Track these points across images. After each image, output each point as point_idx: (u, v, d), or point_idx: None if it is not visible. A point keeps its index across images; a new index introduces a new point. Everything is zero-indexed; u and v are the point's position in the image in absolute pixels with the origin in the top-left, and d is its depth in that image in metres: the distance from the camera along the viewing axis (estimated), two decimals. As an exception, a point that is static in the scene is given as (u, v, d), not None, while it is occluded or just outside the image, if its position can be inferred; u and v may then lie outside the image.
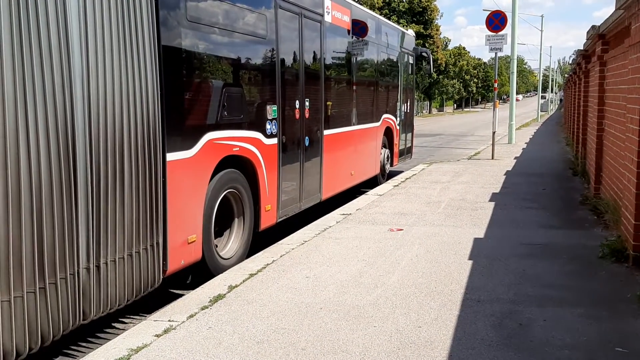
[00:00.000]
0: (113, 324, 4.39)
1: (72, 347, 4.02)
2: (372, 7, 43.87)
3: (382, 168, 10.94)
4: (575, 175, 10.78)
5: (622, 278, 4.69)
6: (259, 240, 6.17)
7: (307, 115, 7.12)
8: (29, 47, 3.13)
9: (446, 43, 65.49)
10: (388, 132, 11.06)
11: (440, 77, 59.76)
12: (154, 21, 4.21)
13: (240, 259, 5.65)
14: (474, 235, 6.20)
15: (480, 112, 66.97)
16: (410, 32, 13.30)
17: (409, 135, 13.04)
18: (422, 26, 50.47)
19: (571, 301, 4.19)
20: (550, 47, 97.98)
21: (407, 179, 10.73)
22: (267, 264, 5.18)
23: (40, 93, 3.23)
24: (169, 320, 3.89)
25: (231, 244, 5.72)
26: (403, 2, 51.31)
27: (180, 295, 4.60)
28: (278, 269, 5.05)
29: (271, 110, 6.19)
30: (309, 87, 7.22)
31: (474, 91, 78.38)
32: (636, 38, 4.96)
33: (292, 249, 5.72)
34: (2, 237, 3.04)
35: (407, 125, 12.73)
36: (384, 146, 10.93)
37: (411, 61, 12.75)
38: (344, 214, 7.40)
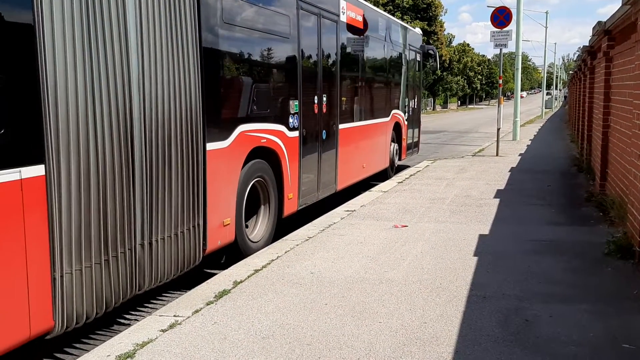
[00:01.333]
0: (118, 319, 4.41)
1: (75, 344, 4.03)
2: (376, 4, 43.77)
3: (391, 161, 11.30)
4: (580, 172, 10.73)
5: (628, 275, 4.68)
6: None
7: (324, 110, 7.57)
8: (97, 52, 3.63)
9: (450, 40, 65.30)
10: (397, 127, 11.47)
11: (444, 73, 59.59)
12: (196, 25, 4.66)
13: (267, 243, 6.08)
14: (479, 231, 6.18)
15: (484, 109, 66.80)
16: (418, 30, 13.64)
17: (416, 130, 13.49)
18: (426, 23, 50.27)
19: (577, 298, 4.18)
20: (555, 43, 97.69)
21: (411, 175, 10.71)
22: (272, 260, 5.18)
23: (105, 91, 3.70)
24: (175, 316, 3.89)
25: (258, 228, 6.20)
26: (407, -2, 51.10)
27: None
28: (283, 264, 5.05)
29: (293, 105, 6.62)
30: (326, 83, 7.63)
31: (478, 88, 78.12)
32: (643, 33, 4.93)
33: (297, 245, 5.72)
34: (75, 214, 3.50)
35: (415, 120, 13.17)
36: (393, 140, 11.31)
37: (418, 58, 13.16)
38: (348, 210, 7.39)
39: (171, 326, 3.71)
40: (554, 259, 5.14)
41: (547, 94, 62.96)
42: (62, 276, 3.44)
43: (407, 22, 45.93)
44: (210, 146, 4.92)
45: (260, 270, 4.89)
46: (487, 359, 3.21)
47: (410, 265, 4.97)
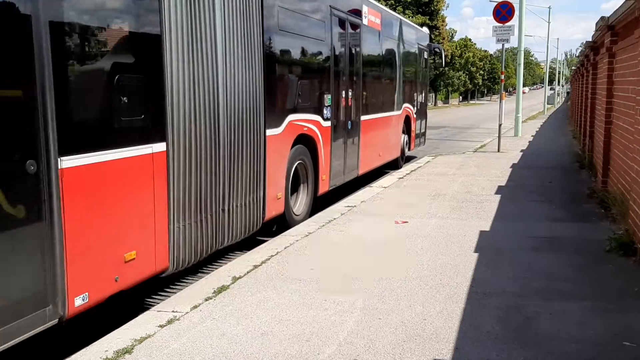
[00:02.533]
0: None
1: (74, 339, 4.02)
2: (378, -2, 43.63)
3: (402, 151, 12.24)
4: (582, 168, 10.69)
5: (630, 272, 4.65)
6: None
7: (350, 103, 8.60)
8: (195, 63, 4.65)
9: (452, 35, 65.05)
10: (407, 120, 12.42)
11: (446, 69, 59.43)
12: (261, 34, 5.73)
13: (305, 217, 7.14)
14: (480, 227, 6.16)
15: (486, 105, 66.63)
16: (425, 30, 14.67)
17: (423, 123, 14.42)
18: (428, 17, 50.05)
19: (578, 295, 4.16)
20: (558, 39, 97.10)
21: (412, 171, 10.68)
22: (272, 256, 5.16)
23: (201, 91, 4.72)
24: (173, 311, 3.88)
25: (299, 203, 7.26)
26: (409, -8, 50.92)
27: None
28: (282, 260, 5.04)
29: (327, 99, 7.69)
30: (351, 79, 8.70)
31: (480, 83, 77.89)
32: (647, 29, 4.88)
33: (297, 240, 5.70)
34: (182, 182, 4.49)
35: (422, 114, 14.14)
36: (403, 132, 12.25)
37: (425, 56, 13.99)
38: (348, 206, 7.37)
39: (169, 322, 3.69)
40: (554, 256, 5.12)
41: (552, 89, 62.76)
42: (175, 228, 4.43)
43: (409, 17, 45.75)
44: (268, 132, 5.98)
45: (259, 266, 4.88)
46: (487, 355, 3.20)
47: (411, 262, 4.95)
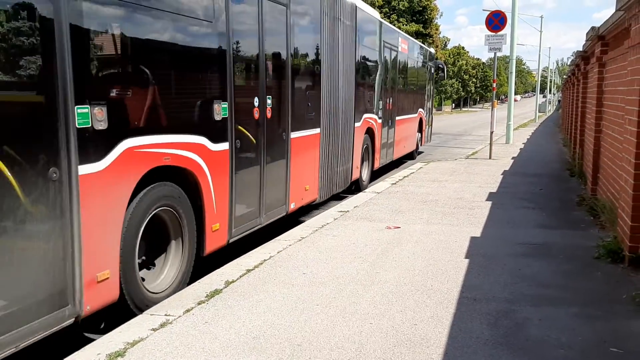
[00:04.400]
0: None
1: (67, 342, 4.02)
2: (372, 5, 43.84)
3: (417, 146, 15.73)
4: (572, 176, 10.79)
5: (618, 279, 4.71)
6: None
7: (391, 107, 11.92)
8: (333, 78, 7.91)
9: (445, 43, 65.45)
10: (420, 122, 15.76)
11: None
12: (354, 62, 8.88)
13: (367, 185, 10.48)
14: (471, 234, 6.21)
15: (478, 112, 66.97)
16: (432, 50, 18.89)
17: (430, 125, 18.10)
18: (422, 25, 50.34)
19: (567, 301, 4.21)
20: (549, 48, 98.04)
21: (404, 177, 10.74)
22: (264, 260, 5.18)
23: (333, 96, 7.92)
24: (166, 315, 3.89)
25: (365, 174, 10.47)
26: (403, 0, 51.25)
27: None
28: (275, 264, 5.06)
29: (379, 103, 10.94)
30: (392, 90, 12.03)
31: (473, 91, 78.35)
32: (636, 39, 4.96)
33: (290, 245, 5.73)
34: (325, 151, 7.79)
35: (429, 117, 17.79)
36: (418, 131, 15.56)
37: (432, 70, 17.60)
38: (341, 211, 7.40)
39: (162, 325, 3.70)
40: (544, 262, 5.18)
41: (544, 96, 63.03)
42: (320, 175, 7.71)
43: (403, 25, 46.00)
44: (356, 124, 9.18)
45: (252, 270, 4.90)
46: (477, 361, 3.23)
47: (402, 267, 4.99)
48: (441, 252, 5.47)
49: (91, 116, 3.55)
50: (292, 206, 6.84)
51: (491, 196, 8.64)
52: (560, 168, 12.29)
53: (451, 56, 67.22)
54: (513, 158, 14.39)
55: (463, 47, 74.84)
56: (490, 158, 14.08)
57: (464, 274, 4.81)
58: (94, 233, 3.63)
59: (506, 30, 14.17)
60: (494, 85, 14.98)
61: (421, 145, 16.39)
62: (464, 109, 78.15)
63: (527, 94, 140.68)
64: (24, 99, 3.26)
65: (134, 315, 4.01)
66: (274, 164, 6.22)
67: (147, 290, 4.32)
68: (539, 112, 47.94)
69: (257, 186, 5.91)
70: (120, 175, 3.85)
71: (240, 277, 4.71)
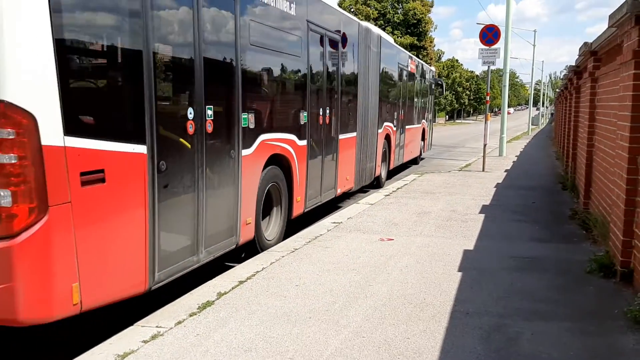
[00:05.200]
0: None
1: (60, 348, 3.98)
2: (367, 18, 44.06)
3: (420, 152, 17.83)
4: (565, 189, 10.85)
5: (610, 293, 4.72)
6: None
7: (402, 117, 14.11)
8: (365, 92, 10.16)
9: (440, 55, 65.88)
10: (423, 131, 18.03)
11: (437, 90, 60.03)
12: (378, 82, 11.00)
13: (385, 183, 12.62)
14: (464, 246, 6.22)
15: (472, 124, 67.32)
16: (433, 68, 22.09)
17: (431, 133, 20.61)
18: (416, 38, 50.72)
19: (559, 316, 4.21)
20: (543, 61, 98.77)
21: (398, 188, 10.76)
22: (257, 271, 5.17)
23: (366, 105, 10.22)
24: (157, 326, 3.86)
25: (383, 174, 12.61)
26: (398, 13, 51.61)
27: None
28: (268, 276, 5.04)
29: (394, 114, 13.20)
30: (403, 103, 14.22)
31: (466, 103, 78.80)
32: (628, 56, 5.01)
33: (283, 256, 5.71)
34: (359, 152, 9.95)
35: (430, 127, 20.15)
36: (421, 139, 17.80)
37: (433, 86, 20.05)
38: (335, 222, 7.40)
39: (153, 337, 3.68)
40: (537, 276, 5.19)
41: (537, 109, 63.39)
42: (356, 169, 9.75)
43: (397, 37, 46.24)
44: (378, 131, 11.29)
45: (244, 281, 4.88)
46: (469, 375, 3.22)
47: (395, 280, 4.98)
48: (434, 265, 5.47)
49: (248, 120, 5.62)
50: (339, 191, 8.95)
51: (484, 209, 8.66)
52: (553, 181, 12.35)
53: (445, 68, 67.66)
54: (506, 171, 14.45)
55: (457, 60, 75.44)
56: (483, 170, 14.13)
57: (457, 287, 4.81)
58: (246, 192, 5.69)
59: (500, 44, 14.29)
60: (487, 98, 15.08)
61: (424, 152, 18.75)
62: (457, 121, 78.52)
63: (520, 107, 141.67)
64: (226, 111, 5.31)
65: (257, 253, 5.99)
66: (329, 157, 8.44)
67: (265, 237, 6.37)
68: (532, 124, 48.27)
69: (320, 173, 8.06)
70: (258, 158, 5.99)
71: (233, 288, 4.69)
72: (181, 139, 4.53)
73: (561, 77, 23.53)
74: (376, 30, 11.15)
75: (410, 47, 45.87)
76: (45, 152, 3.25)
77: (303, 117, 7.24)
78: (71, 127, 3.39)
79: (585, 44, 8.22)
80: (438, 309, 4.27)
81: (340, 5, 43.79)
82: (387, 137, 12.36)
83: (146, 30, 4.03)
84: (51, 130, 3.28)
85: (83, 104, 3.62)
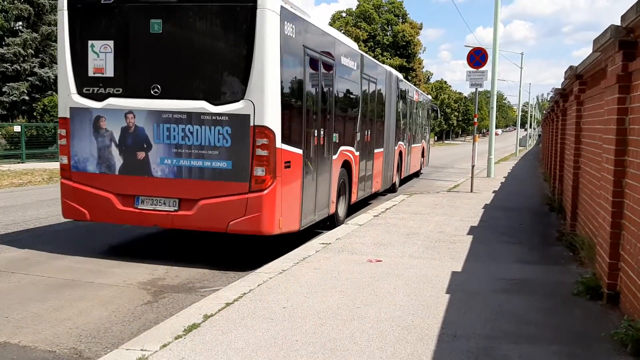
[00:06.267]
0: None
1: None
2: (357, 40, 44.54)
3: (421, 166, 20.97)
4: (552, 211, 10.92)
5: (597, 316, 4.73)
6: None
7: (409, 137, 17.12)
8: (388, 114, 13.69)
9: (428, 77, 66.64)
10: (422, 149, 21.11)
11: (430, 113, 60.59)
12: (396, 110, 14.40)
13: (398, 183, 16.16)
14: (452, 268, 6.22)
15: (460, 145, 67.84)
16: (429, 96, 25.17)
17: (428, 152, 23.84)
18: (405, 59, 51.29)
19: (546, 338, 4.21)
20: (530, 83, 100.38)
21: (387, 209, 10.77)
22: (244, 293, 5.12)
23: (390, 125, 13.87)
24: (142, 350, 3.80)
25: (397, 179, 15.45)
26: (387, 35, 52.21)
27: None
28: (255, 298, 5.00)
29: (404, 134, 16.07)
30: (407, 125, 16.74)
31: (455, 124, 79.53)
32: (612, 80, 5.10)
33: (270, 277, 5.68)
34: (408, 155, 17.16)
35: (428, 146, 23.38)
36: (421, 156, 20.75)
37: (429, 111, 23.32)
38: (323, 243, 7.38)
39: (137, 360, 3.62)
40: (524, 298, 5.19)
41: (525, 130, 63.96)
42: (382, 175, 13.10)
43: (387, 59, 46.70)
44: (395, 147, 14.58)
45: (231, 303, 4.83)
46: (457, 400, 3.20)
47: (383, 302, 4.96)
48: (422, 287, 5.46)
49: (336, 137, 8.90)
50: (373, 190, 12.16)
51: (472, 230, 8.69)
52: (540, 202, 12.43)
53: (434, 90, 68.37)
54: (494, 192, 14.54)
55: (445, 82, 76.37)
56: (471, 191, 14.21)
57: (444, 309, 4.79)
58: (334, 182, 8.82)
59: (487, 67, 14.46)
60: (475, 119, 15.22)
61: (422, 167, 21.75)
62: (446, 142, 79.11)
63: (508, 128, 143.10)
64: (326, 131, 8.51)
65: (334, 226, 9.01)
66: (369, 164, 11.46)
67: (338, 213, 9.32)
68: (520, 146, 48.71)
69: (364, 174, 11.12)
70: (339, 161, 9.11)
71: (219, 310, 4.64)
72: (313, 146, 7.85)
73: (548, 99, 23.96)
74: (395, 72, 14.54)
75: (400, 69, 46.34)
76: (277, 151, 6.43)
77: (357, 136, 10.42)
78: (284, 139, 6.60)
79: (571, 67, 8.36)
80: (426, 331, 4.26)
81: (331, 26, 44.20)
82: (400, 154, 15.49)
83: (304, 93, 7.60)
84: (278, 140, 6.46)
85: (286, 129, 6.71)
